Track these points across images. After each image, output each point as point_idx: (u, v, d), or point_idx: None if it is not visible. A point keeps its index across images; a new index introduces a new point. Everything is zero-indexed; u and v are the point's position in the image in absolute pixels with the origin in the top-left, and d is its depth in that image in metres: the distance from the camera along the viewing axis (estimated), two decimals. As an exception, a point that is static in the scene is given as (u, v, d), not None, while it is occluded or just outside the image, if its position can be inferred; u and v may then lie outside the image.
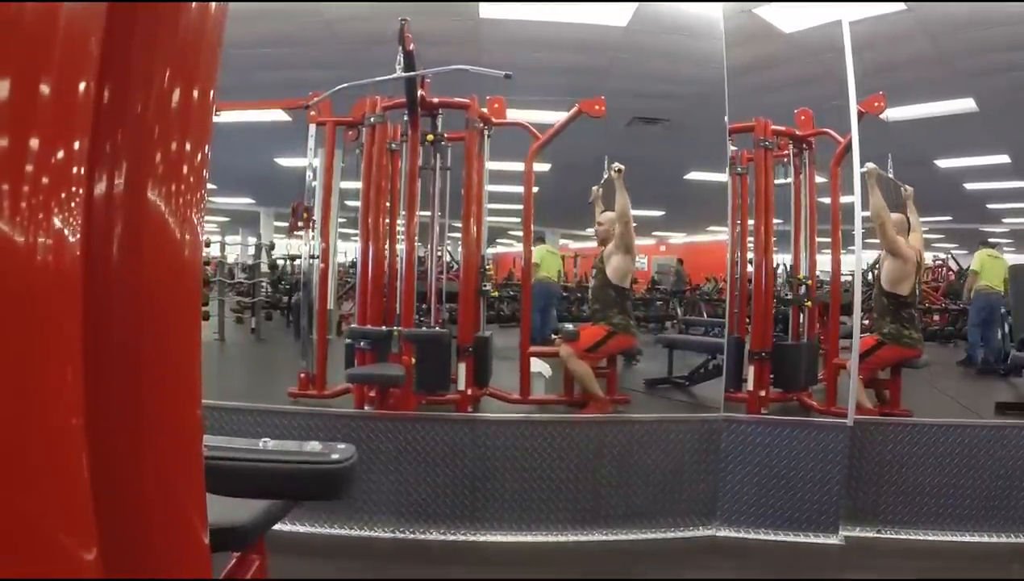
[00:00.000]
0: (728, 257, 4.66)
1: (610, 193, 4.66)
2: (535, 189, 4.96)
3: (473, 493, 2.98)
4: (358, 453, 1.24)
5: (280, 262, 9.47)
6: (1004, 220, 9.51)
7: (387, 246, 4.57)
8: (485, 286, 4.67)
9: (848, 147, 4.08)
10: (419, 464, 2.99)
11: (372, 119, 4.46)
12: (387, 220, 4.60)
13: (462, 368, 4.35)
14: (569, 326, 4.52)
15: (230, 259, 10.71)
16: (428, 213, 4.81)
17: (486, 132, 4.76)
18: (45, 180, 0.45)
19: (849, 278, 5.04)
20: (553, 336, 4.69)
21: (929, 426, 3.15)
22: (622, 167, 4.52)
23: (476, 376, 4.48)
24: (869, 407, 4.36)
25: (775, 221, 4.83)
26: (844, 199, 4.96)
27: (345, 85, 3.77)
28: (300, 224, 4.61)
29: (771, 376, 4.59)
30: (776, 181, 4.84)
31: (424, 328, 4.06)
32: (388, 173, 4.60)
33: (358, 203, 4.63)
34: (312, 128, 4.84)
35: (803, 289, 4.88)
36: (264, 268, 8.34)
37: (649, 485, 3.06)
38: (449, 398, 4.34)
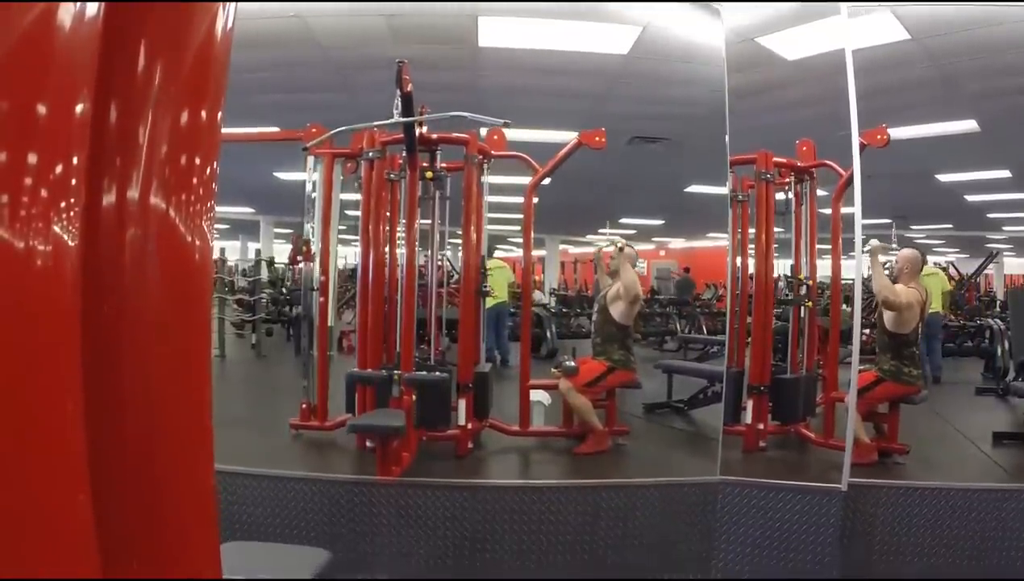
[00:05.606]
0: (728, 293, 4.66)
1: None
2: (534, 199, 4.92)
3: (473, 555, 3.01)
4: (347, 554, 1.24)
5: (280, 266, 9.48)
6: (1005, 228, 9.50)
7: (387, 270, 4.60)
8: (485, 287, 4.70)
9: (850, 180, 4.06)
10: (420, 528, 3.02)
11: (371, 154, 4.44)
12: (387, 251, 4.62)
13: (462, 404, 4.38)
14: (570, 362, 4.53)
15: (230, 261, 10.71)
16: (427, 221, 4.79)
17: (485, 165, 4.74)
18: (44, 192, 0.47)
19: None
20: (553, 370, 4.70)
21: (920, 489, 3.19)
22: (623, 245, 4.46)
23: (476, 410, 4.50)
24: (866, 442, 4.38)
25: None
26: (845, 209, 4.96)
27: (343, 129, 3.75)
28: (299, 258, 4.60)
29: (770, 405, 4.62)
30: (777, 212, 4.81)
31: (424, 372, 4.06)
32: (387, 202, 4.60)
33: (359, 212, 4.62)
34: (311, 160, 4.82)
35: (804, 289, 4.86)
36: (264, 278, 8.34)
37: (646, 545, 3.10)
38: (450, 434, 4.36)
